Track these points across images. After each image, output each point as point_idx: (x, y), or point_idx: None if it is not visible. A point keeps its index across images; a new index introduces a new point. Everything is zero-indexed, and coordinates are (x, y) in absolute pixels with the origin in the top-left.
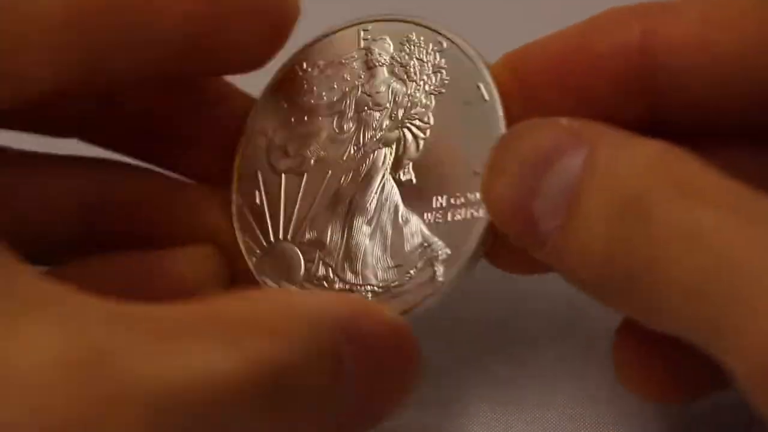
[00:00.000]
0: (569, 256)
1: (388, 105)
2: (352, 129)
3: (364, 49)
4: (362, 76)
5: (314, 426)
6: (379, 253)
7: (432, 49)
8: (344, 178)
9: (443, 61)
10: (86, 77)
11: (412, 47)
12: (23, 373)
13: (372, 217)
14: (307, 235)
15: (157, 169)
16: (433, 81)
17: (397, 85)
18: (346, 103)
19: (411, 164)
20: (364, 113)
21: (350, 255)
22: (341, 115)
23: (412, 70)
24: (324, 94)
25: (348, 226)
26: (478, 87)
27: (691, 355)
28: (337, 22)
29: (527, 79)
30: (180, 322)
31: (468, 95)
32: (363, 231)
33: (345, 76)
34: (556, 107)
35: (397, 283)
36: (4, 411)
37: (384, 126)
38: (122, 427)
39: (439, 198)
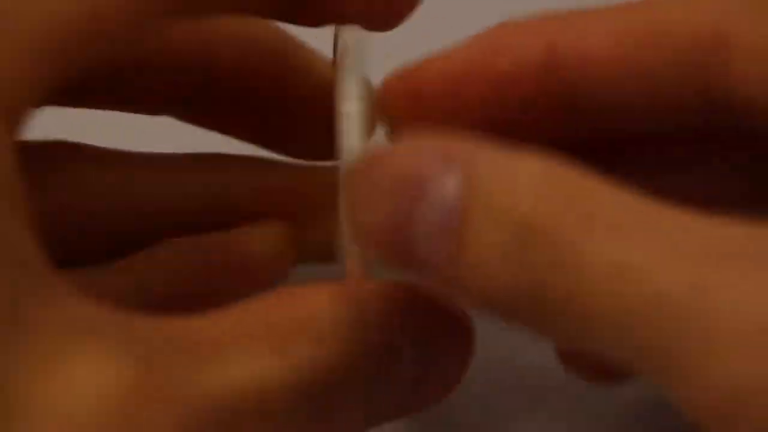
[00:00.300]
0: (466, 286)
1: None
2: None
3: None
4: None
5: (362, 412)
6: None
7: None
8: None
9: None
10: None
11: None
12: (72, 413)
13: None
14: None
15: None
16: None
17: None
18: None
19: None
20: None
21: None
22: None
23: None
24: None
25: None
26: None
27: None
28: None
29: (420, 100)
30: (224, 334)
31: None
32: None
33: None
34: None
35: None
36: None
37: None
38: None
39: None
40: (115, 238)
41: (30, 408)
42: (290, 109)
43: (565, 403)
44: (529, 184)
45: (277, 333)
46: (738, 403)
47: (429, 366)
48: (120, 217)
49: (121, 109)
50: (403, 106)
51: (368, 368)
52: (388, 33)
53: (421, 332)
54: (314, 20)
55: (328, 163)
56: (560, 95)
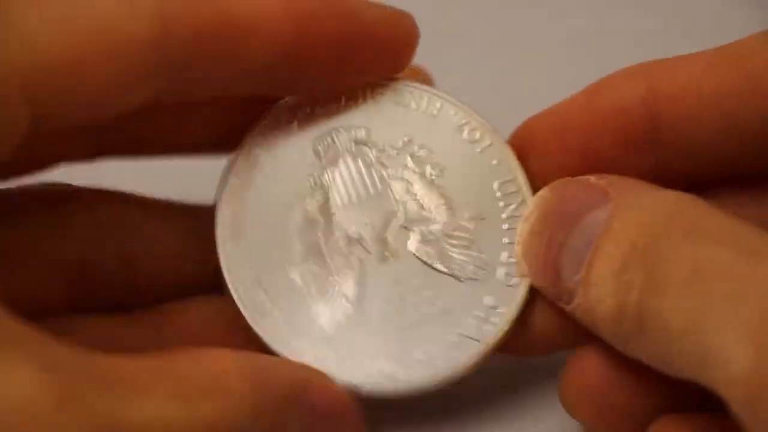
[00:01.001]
0: (588, 307)
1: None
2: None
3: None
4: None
5: None
6: None
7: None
8: None
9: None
10: (174, 96)
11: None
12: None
13: None
14: None
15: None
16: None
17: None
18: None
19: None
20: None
21: None
22: None
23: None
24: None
25: None
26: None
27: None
28: None
29: (539, 143)
30: (138, 377)
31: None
32: None
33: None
34: (565, 168)
35: None
36: None
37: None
38: None
39: None
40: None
41: None
42: None
43: None
44: (660, 213)
45: (189, 383)
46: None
47: None
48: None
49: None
50: (525, 150)
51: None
52: None
53: (311, 417)
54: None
55: None
56: (658, 132)
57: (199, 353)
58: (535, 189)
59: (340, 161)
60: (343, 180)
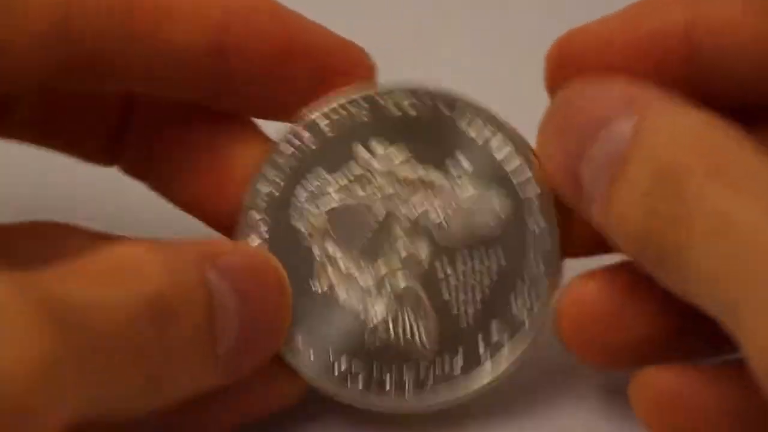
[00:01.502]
0: (610, 223)
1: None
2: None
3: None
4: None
5: (200, 359)
6: None
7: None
8: None
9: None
10: (85, 80)
11: None
12: None
13: None
14: None
15: None
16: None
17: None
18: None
19: None
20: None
21: None
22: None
23: None
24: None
25: None
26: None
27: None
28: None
29: (573, 62)
30: (76, 272)
31: None
32: None
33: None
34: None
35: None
36: None
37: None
38: (25, 330)
39: None
40: None
41: None
42: None
43: None
44: (686, 137)
45: (110, 270)
46: None
47: (249, 316)
48: None
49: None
50: (560, 70)
51: (193, 305)
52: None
53: (232, 279)
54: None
55: None
56: (696, 61)
57: (115, 244)
58: None
59: None
60: None
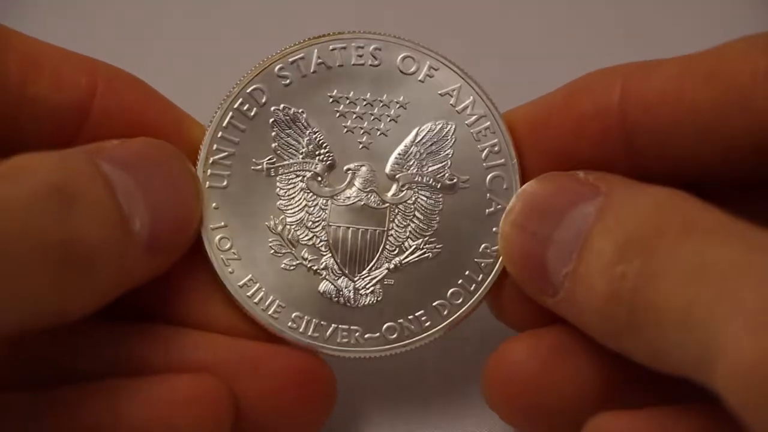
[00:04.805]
0: (576, 300)
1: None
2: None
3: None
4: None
5: (118, 236)
6: None
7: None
8: None
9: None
10: None
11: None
12: None
13: None
14: None
15: None
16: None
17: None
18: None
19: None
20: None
21: None
22: None
23: None
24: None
25: None
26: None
27: None
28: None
29: (515, 139)
30: None
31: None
32: None
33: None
34: (539, 167)
35: None
36: None
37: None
38: None
39: None
40: None
41: None
42: None
43: None
44: (654, 207)
45: (6, 171)
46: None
47: (159, 197)
48: None
49: None
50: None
51: (94, 189)
52: None
53: (145, 172)
54: None
55: None
56: (633, 136)
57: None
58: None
59: None
60: None
